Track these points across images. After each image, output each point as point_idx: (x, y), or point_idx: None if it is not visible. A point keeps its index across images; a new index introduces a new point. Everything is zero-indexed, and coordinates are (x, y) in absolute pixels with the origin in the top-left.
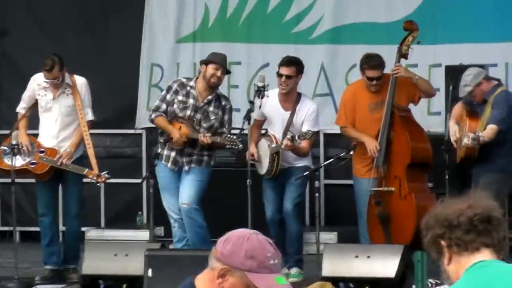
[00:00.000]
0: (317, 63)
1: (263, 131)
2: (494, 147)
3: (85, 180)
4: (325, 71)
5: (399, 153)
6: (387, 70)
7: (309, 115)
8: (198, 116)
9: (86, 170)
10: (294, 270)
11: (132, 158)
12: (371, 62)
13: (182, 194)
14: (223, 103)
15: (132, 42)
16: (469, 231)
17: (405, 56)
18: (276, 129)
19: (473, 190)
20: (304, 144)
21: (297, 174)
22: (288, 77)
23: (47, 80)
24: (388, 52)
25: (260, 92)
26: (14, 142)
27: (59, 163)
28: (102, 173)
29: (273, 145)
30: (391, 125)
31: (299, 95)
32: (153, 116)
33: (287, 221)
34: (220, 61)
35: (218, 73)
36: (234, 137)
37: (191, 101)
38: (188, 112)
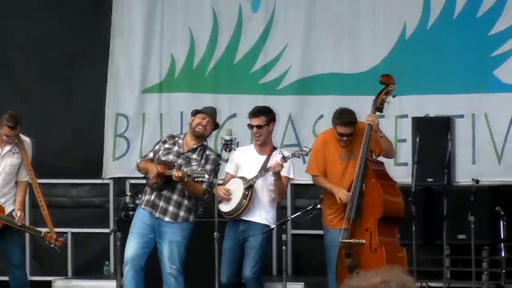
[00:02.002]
0: (284, 114)
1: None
2: None
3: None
4: (293, 122)
5: (371, 206)
6: (358, 119)
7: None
8: (180, 161)
9: (43, 232)
10: None
11: (100, 208)
12: (343, 119)
13: (165, 255)
14: (207, 152)
15: (97, 92)
16: None
17: (380, 109)
18: (250, 173)
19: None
20: (284, 181)
21: (257, 230)
22: (258, 127)
23: (5, 137)
24: (355, 102)
25: (227, 145)
26: None
27: (19, 224)
28: (59, 238)
29: (242, 181)
30: (363, 177)
31: (274, 148)
32: (137, 161)
33: (248, 286)
34: (207, 111)
35: (204, 122)
36: (202, 170)
37: (175, 148)
38: (171, 157)
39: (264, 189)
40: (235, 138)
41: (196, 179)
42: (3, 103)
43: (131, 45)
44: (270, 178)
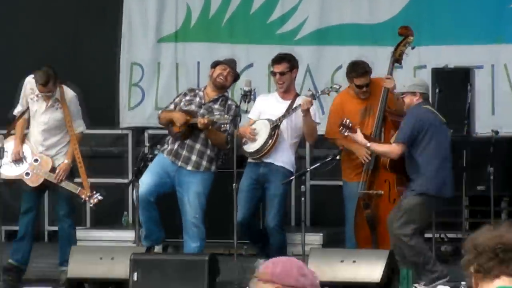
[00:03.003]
0: (302, 64)
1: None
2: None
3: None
4: (311, 72)
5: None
6: (375, 71)
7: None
8: (202, 111)
9: (79, 189)
10: None
11: (118, 158)
12: (359, 70)
13: (186, 206)
14: (229, 102)
15: (112, 41)
16: (491, 259)
17: (398, 61)
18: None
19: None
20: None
21: (279, 176)
22: (281, 73)
23: (41, 93)
24: (373, 53)
25: (247, 96)
26: None
27: (56, 180)
28: (95, 195)
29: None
30: (382, 128)
31: (297, 95)
32: (159, 112)
33: (271, 235)
34: (228, 62)
35: (225, 73)
36: (228, 116)
37: (197, 99)
38: (193, 107)
39: (289, 132)
40: (254, 89)
41: (221, 126)
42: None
43: None
44: (296, 120)
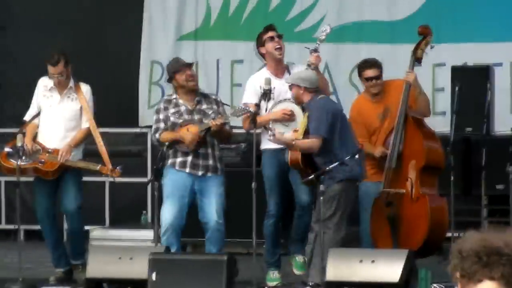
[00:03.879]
0: (321, 62)
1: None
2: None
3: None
4: (329, 70)
5: (412, 155)
6: (393, 69)
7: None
8: (196, 116)
9: (99, 166)
10: (301, 259)
11: (137, 157)
12: (368, 62)
13: (210, 210)
14: (213, 97)
15: (131, 39)
16: (474, 262)
17: (419, 60)
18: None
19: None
20: None
21: None
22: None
23: (52, 75)
24: (391, 51)
25: (266, 95)
26: (19, 144)
27: (64, 160)
28: (117, 168)
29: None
30: (404, 126)
31: (286, 66)
32: (156, 136)
33: (305, 212)
34: (181, 65)
35: (189, 72)
36: (241, 106)
37: (182, 108)
38: (186, 116)
39: None
40: (274, 87)
41: (239, 115)
42: (40, 50)
43: None
44: None
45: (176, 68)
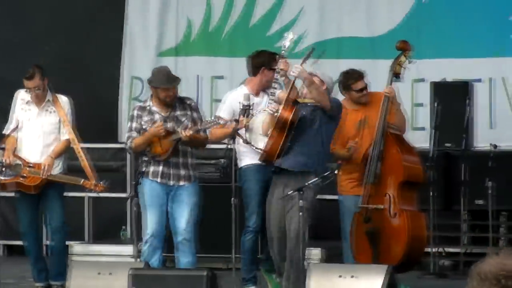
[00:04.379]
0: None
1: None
2: None
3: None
4: None
5: (391, 170)
6: (373, 85)
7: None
8: (169, 124)
9: (82, 180)
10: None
11: (117, 172)
12: (354, 75)
13: (180, 219)
14: (188, 102)
15: (112, 55)
16: (493, 285)
17: (397, 75)
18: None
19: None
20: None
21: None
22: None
23: (29, 88)
24: (372, 67)
25: (246, 110)
26: None
27: (45, 175)
28: (100, 182)
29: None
30: (382, 141)
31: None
32: (129, 144)
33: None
34: (166, 82)
35: (170, 93)
36: (212, 118)
37: (156, 116)
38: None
39: None
40: (253, 103)
41: (209, 127)
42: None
43: (147, 8)
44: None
45: (162, 84)
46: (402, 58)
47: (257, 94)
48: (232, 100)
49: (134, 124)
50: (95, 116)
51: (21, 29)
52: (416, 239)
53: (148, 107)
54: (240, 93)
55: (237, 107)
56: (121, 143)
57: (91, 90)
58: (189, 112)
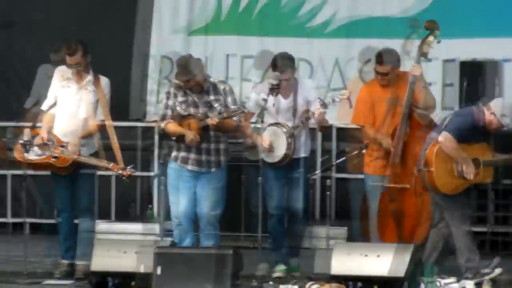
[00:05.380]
0: (331, 57)
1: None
2: None
3: (104, 172)
4: (339, 66)
5: (416, 150)
6: (404, 63)
7: (312, 93)
8: (202, 110)
9: (112, 164)
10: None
11: (143, 151)
12: (379, 57)
13: (205, 203)
14: (222, 87)
15: (141, 34)
16: None
17: (425, 55)
18: (282, 119)
19: None
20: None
21: (299, 166)
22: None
23: (70, 65)
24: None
25: (274, 90)
26: (25, 138)
27: (76, 156)
28: (128, 167)
29: (285, 129)
30: (408, 122)
31: (295, 80)
32: (162, 125)
33: (297, 219)
34: (178, 75)
35: (186, 83)
36: (236, 107)
37: (189, 98)
38: (192, 110)
39: (302, 129)
40: (282, 81)
41: (232, 117)
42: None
43: None
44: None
45: (176, 76)
46: (430, 38)
47: (285, 97)
48: (257, 93)
49: (170, 102)
50: (119, 95)
51: (45, 9)
52: None
53: (184, 87)
54: (265, 85)
55: (265, 105)
56: (148, 122)
57: (120, 70)
58: (222, 98)
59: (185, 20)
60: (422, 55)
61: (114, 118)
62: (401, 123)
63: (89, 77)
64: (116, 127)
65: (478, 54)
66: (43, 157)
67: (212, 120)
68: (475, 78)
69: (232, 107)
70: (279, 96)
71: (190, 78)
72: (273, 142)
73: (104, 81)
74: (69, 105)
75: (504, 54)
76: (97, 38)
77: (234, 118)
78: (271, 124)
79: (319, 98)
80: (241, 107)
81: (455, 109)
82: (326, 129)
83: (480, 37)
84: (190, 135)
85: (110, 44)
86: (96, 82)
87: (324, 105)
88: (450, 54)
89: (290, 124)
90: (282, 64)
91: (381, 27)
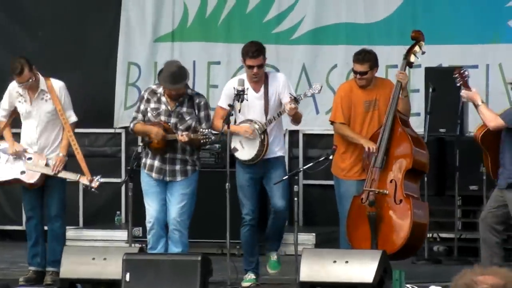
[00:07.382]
0: (298, 63)
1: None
2: None
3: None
4: (306, 72)
5: (399, 157)
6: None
7: (283, 86)
8: (173, 120)
9: (79, 175)
10: (275, 257)
11: (111, 158)
12: (358, 56)
13: (173, 209)
14: (197, 100)
15: (109, 40)
16: None
17: (410, 64)
18: (254, 115)
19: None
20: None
21: (275, 165)
22: (259, 66)
23: (21, 84)
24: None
25: (240, 96)
26: None
27: (53, 173)
28: (95, 178)
29: (257, 126)
30: (392, 126)
31: (265, 74)
32: (131, 126)
33: (280, 216)
34: (168, 83)
35: (173, 92)
36: (206, 131)
37: (163, 106)
38: (162, 118)
39: (274, 125)
40: (247, 88)
41: (202, 141)
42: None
43: None
44: (272, 103)
45: (165, 83)
46: (416, 48)
47: (256, 89)
48: (230, 86)
49: (142, 106)
50: (90, 101)
51: (18, 13)
52: (418, 227)
53: (159, 94)
54: (237, 79)
55: (232, 92)
56: (115, 128)
57: (88, 75)
58: (195, 111)
59: (151, 26)
60: (408, 64)
61: (99, 126)
62: (384, 127)
63: (41, 88)
64: (85, 134)
65: (443, 60)
66: (12, 175)
67: (182, 137)
68: (440, 84)
69: (202, 130)
70: (250, 89)
71: (180, 88)
72: (246, 141)
73: (58, 85)
74: (28, 118)
75: (470, 61)
76: (82, 45)
77: (201, 141)
78: (242, 122)
79: (290, 94)
80: (209, 133)
81: (421, 115)
82: (299, 122)
83: (446, 44)
84: (155, 130)
85: (96, 51)
86: (50, 90)
87: (295, 100)
88: (416, 60)
89: (263, 121)
90: (255, 49)
91: (347, 34)
